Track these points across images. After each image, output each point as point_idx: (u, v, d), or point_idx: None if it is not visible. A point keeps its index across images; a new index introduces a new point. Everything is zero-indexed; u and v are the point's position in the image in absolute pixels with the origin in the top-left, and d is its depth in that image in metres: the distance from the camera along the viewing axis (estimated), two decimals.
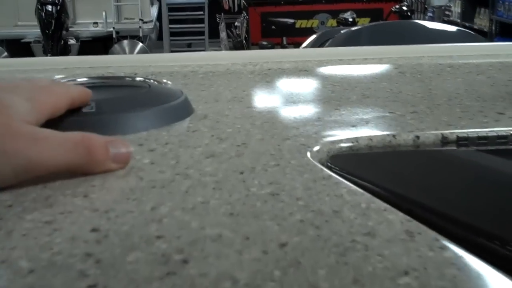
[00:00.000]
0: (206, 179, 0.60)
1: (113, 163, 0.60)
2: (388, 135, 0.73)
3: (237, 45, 8.76)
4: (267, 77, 1.08)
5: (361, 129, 0.76)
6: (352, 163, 0.69)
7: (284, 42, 7.84)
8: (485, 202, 0.58)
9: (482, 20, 9.16)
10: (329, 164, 0.65)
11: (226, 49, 9.56)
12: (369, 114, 0.82)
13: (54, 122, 0.68)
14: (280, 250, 0.46)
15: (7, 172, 0.55)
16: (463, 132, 0.73)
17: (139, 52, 9.81)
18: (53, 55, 9.71)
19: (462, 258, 0.44)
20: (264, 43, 7.76)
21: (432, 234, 0.47)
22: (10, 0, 10.48)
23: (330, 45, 1.89)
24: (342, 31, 2.11)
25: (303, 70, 1.13)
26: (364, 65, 1.17)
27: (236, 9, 9.31)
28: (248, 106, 0.88)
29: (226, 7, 9.50)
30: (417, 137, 0.72)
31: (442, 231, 0.48)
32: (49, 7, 10.13)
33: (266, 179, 0.59)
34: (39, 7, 10.02)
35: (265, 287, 0.41)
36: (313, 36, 2.22)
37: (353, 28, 2.11)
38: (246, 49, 8.46)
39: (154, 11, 9.93)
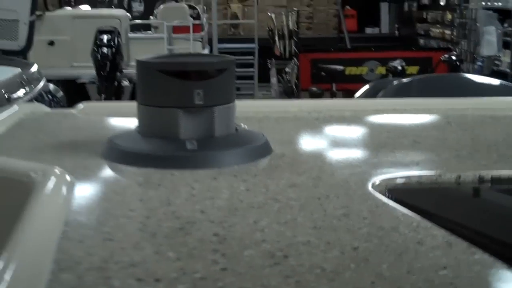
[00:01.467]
0: (292, 203, 0.77)
1: None
2: (434, 174, 0.89)
3: (287, 90, 8.97)
4: (331, 123, 1.26)
5: (412, 168, 0.93)
6: (406, 195, 0.85)
7: (334, 89, 8.00)
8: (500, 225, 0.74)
9: None
10: (387, 195, 0.82)
11: (276, 94, 9.80)
12: (419, 157, 0.99)
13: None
14: (353, 251, 0.63)
15: None
16: (497, 173, 0.89)
17: None
18: (107, 96, 10.00)
19: (487, 260, 0.61)
20: (314, 89, 7.94)
21: (465, 244, 0.64)
22: (68, 42, 10.86)
23: (383, 95, 2.06)
24: (394, 82, 2.28)
25: (361, 118, 1.31)
26: (415, 114, 1.34)
27: (287, 55, 9.56)
28: (317, 147, 1.06)
29: (278, 53, 9.75)
30: (459, 176, 0.89)
31: (473, 242, 0.64)
32: (105, 50, 10.44)
33: (339, 204, 0.76)
34: (95, 49, 10.31)
35: (344, 273, 0.58)
36: (367, 86, 2.40)
37: (404, 80, 2.29)
38: (296, 94, 8.67)
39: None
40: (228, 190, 0.82)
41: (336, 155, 1.01)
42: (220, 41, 10.21)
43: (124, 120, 1.21)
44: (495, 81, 2.32)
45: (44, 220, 0.69)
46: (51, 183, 0.79)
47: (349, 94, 8.63)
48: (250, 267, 0.59)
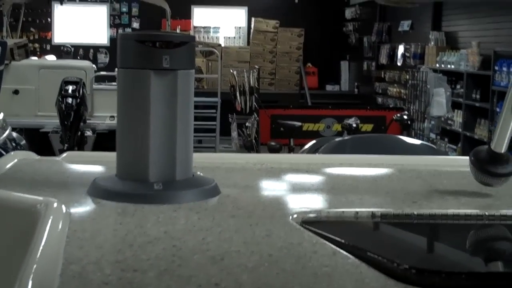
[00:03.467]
0: (230, 227, 1.07)
1: None
2: (339, 211, 1.20)
3: (247, 144, 9.26)
4: (271, 173, 1.57)
5: (325, 205, 1.24)
6: (316, 225, 1.16)
7: (291, 144, 8.31)
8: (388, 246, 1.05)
9: (482, 131, 9.52)
10: (302, 224, 1.12)
11: (236, 148, 10.10)
12: (332, 199, 1.30)
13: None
14: (269, 257, 0.93)
15: None
16: (386, 211, 1.20)
17: None
18: (69, 145, 10.04)
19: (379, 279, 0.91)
20: (273, 143, 8.25)
21: (353, 258, 0.94)
22: (33, 91, 10.89)
23: (321, 151, 2.39)
24: (333, 140, 2.63)
25: (295, 169, 1.62)
26: (339, 167, 1.66)
27: (247, 110, 9.86)
28: (257, 189, 1.36)
29: (239, 109, 10.05)
30: (357, 212, 1.20)
31: (361, 258, 0.94)
32: (70, 100, 10.42)
33: (265, 228, 1.07)
34: (60, 99, 10.25)
35: (259, 269, 0.88)
36: (312, 142, 2.74)
37: (343, 138, 2.64)
38: (256, 148, 8.98)
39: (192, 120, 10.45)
40: (184, 219, 1.12)
41: (270, 196, 1.31)
42: None
43: (102, 167, 1.51)
44: (417, 141, 2.69)
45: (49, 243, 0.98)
46: (51, 212, 1.08)
47: None
48: (197, 265, 0.89)
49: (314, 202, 1.29)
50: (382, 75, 13.87)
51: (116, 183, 1.26)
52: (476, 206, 1.25)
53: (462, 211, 1.21)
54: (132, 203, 1.20)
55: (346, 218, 1.19)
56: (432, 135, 9.55)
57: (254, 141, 9.04)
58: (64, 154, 1.67)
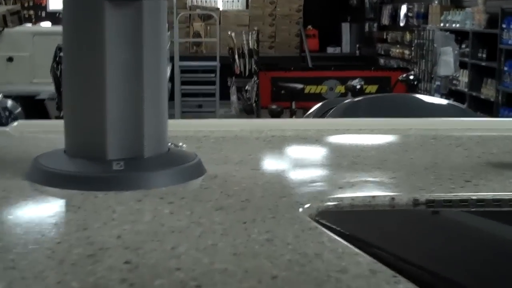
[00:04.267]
0: (216, 227, 0.74)
1: None
2: (367, 196, 0.87)
3: (247, 108, 8.94)
4: (270, 144, 1.23)
5: (346, 190, 0.90)
6: (336, 219, 0.82)
7: (293, 107, 7.99)
8: (437, 247, 0.72)
9: (489, 90, 9.31)
10: (317, 219, 0.79)
11: (236, 112, 9.77)
12: (355, 179, 0.97)
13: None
14: (272, 280, 0.59)
15: None
16: (432, 196, 0.87)
17: None
18: None
19: None
20: (274, 107, 7.92)
21: (390, 272, 0.61)
22: (27, 58, 10.69)
23: (331, 115, 2.04)
24: (343, 102, 2.27)
25: (302, 138, 1.28)
26: (357, 135, 1.32)
27: (247, 73, 9.55)
28: (252, 168, 1.02)
29: (238, 72, 9.74)
30: (393, 198, 0.86)
31: (400, 270, 0.62)
32: None
33: (264, 228, 0.73)
34: (55, 65, 10.14)
35: None
36: (318, 105, 2.39)
37: (353, 100, 2.28)
38: (256, 112, 8.65)
39: (167, 71, 10.19)
40: (151, 213, 0.79)
41: (270, 176, 0.98)
42: (182, 58, 10.16)
43: (57, 138, 1.17)
44: (443, 101, 2.32)
45: None
46: None
47: None
48: None
49: (332, 185, 0.95)
50: (384, 36, 13.58)
51: (63, 162, 0.93)
52: None
53: None
54: (81, 190, 0.87)
55: (379, 206, 0.85)
56: (437, 95, 9.30)
57: (254, 104, 8.72)
58: (15, 123, 1.33)
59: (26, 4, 14.47)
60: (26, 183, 0.90)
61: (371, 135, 1.32)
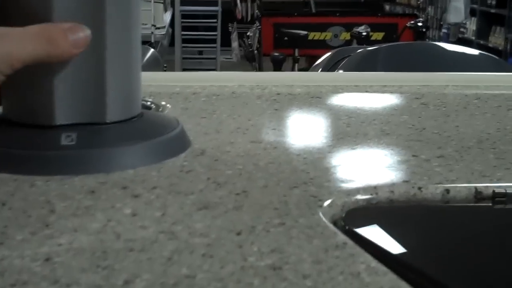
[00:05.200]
0: (195, 241, 0.50)
1: (74, 49, 0.61)
2: (413, 186, 0.62)
3: (248, 55, 8.66)
4: (276, 104, 0.98)
5: (380, 176, 0.66)
6: (371, 220, 0.58)
7: (296, 54, 7.72)
8: None
9: (497, 39, 9.05)
10: (343, 223, 0.55)
11: (238, 59, 9.47)
12: (389, 157, 0.72)
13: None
14: None
15: None
16: (501, 187, 0.62)
17: (149, 58, 9.68)
18: None
19: None
20: (276, 54, 7.65)
21: None
22: None
23: (346, 65, 1.79)
24: (358, 51, 2.00)
25: (315, 97, 1.03)
26: (382, 93, 1.07)
27: (249, 19, 9.23)
28: (252, 140, 0.78)
29: (239, 17, 9.41)
30: (447, 191, 0.62)
31: None
32: None
33: (268, 245, 0.49)
34: None
35: None
36: (328, 54, 2.12)
37: (370, 48, 2.01)
38: (257, 59, 8.36)
39: (167, 17, 9.84)
40: (104, 215, 0.54)
41: (276, 153, 0.73)
42: (183, 3, 9.83)
43: None
44: (474, 51, 2.04)
45: None
46: None
47: (312, 59, 8.34)
48: None
49: (359, 167, 0.70)
50: None
51: None
52: None
53: None
54: (15, 173, 0.63)
55: (427, 201, 0.61)
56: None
57: (256, 51, 8.44)
58: None
59: None
60: None
61: (399, 94, 1.07)
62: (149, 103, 0.97)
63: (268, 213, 0.55)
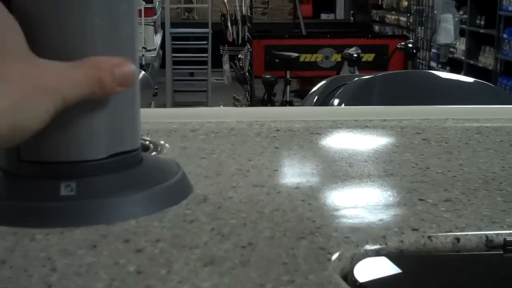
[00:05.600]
0: None
1: (119, 88, 0.60)
2: (422, 235, 0.61)
3: (240, 77, 8.65)
4: (276, 142, 0.97)
5: (388, 224, 0.64)
6: (381, 271, 0.57)
7: (288, 76, 7.72)
8: None
9: (487, 59, 9.09)
10: (354, 279, 0.53)
11: (229, 81, 9.46)
12: (396, 202, 0.71)
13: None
14: None
15: (49, 109, 0.54)
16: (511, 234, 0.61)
17: (140, 81, 9.63)
18: None
19: None
20: (268, 76, 7.65)
21: None
22: None
23: (341, 94, 1.78)
24: (354, 79, 1.99)
25: (315, 133, 1.02)
26: (382, 129, 1.06)
27: (240, 41, 9.23)
28: (254, 184, 0.76)
29: (230, 39, 9.42)
30: (457, 239, 0.61)
31: None
32: None
33: None
34: None
35: None
36: (323, 82, 2.11)
37: (366, 77, 2.00)
38: (249, 81, 8.36)
39: (158, 39, 9.85)
40: (107, 273, 0.52)
41: (280, 199, 0.71)
42: (173, 25, 9.84)
43: None
44: (469, 79, 2.04)
45: None
46: None
47: (304, 81, 8.35)
48: None
49: (367, 213, 0.68)
50: (380, 2, 13.30)
51: None
52: None
53: None
54: (15, 226, 0.61)
55: (438, 250, 0.60)
56: (433, 64, 9.07)
57: (247, 73, 8.44)
58: None
59: None
60: None
61: (400, 129, 1.06)
62: (147, 142, 0.95)
63: (276, 269, 0.53)
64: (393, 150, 0.94)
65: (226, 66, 9.34)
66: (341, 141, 1.01)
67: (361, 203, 0.71)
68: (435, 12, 8.15)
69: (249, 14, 9.14)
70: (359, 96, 1.79)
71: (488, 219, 0.65)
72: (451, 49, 9.63)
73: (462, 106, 1.22)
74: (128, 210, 0.64)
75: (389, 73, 2.25)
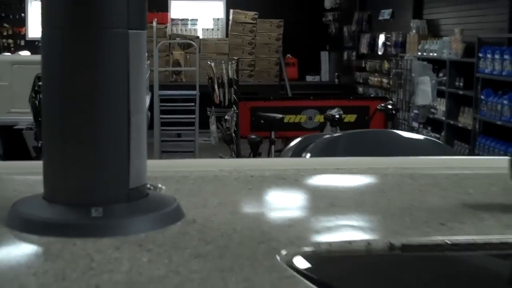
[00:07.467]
0: (193, 276, 0.74)
1: None
2: (344, 241, 0.88)
3: (226, 138, 8.94)
4: (249, 185, 1.24)
5: (324, 235, 0.91)
6: (314, 264, 0.83)
7: (272, 136, 8.00)
8: None
9: (466, 119, 9.38)
10: (294, 265, 0.80)
11: (216, 141, 9.76)
12: (332, 222, 0.98)
13: None
14: None
15: None
16: (408, 241, 0.88)
17: None
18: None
19: None
20: (253, 136, 7.93)
21: None
22: (6, 88, 10.63)
23: (312, 149, 2.06)
24: (324, 137, 2.29)
25: (281, 179, 1.29)
26: (335, 175, 1.33)
27: (226, 103, 9.56)
28: (231, 212, 1.03)
29: (217, 101, 9.75)
30: (368, 243, 0.87)
31: None
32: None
33: (241, 277, 0.74)
34: (33, 95, 10.05)
35: None
36: (296, 140, 2.41)
37: (334, 135, 2.30)
38: (235, 141, 8.65)
39: (146, 101, 10.17)
40: (129, 262, 0.79)
41: (249, 221, 0.98)
42: (162, 87, 10.15)
43: (35, 181, 1.17)
44: (420, 137, 2.36)
45: None
46: None
47: (288, 141, 8.64)
48: None
49: (310, 229, 0.96)
50: (363, 65, 13.69)
51: (41, 209, 0.93)
52: None
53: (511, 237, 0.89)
54: (59, 237, 0.87)
55: (355, 251, 0.86)
56: (415, 124, 9.36)
57: (233, 134, 8.73)
58: None
59: (5, 33, 14.45)
60: (5, 229, 0.90)
61: (349, 175, 1.33)
62: (148, 185, 1.22)
63: (242, 259, 0.80)
64: (339, 190, 1.21)
65: (213, 127, 9.64)
66: (300, 183, 1.29)
67: (305, 222, 0.98)
68: (413, 75, 8.52)
69: (235, 77, 9.48)
70: (327, 151, 2.07)
71: (394, 232, 0.92)
72: (432, 110, 9.93)
73: (401, 157, 1.50)
74: (139, 227, 0.91)
75: (354, 132, 2.55)
